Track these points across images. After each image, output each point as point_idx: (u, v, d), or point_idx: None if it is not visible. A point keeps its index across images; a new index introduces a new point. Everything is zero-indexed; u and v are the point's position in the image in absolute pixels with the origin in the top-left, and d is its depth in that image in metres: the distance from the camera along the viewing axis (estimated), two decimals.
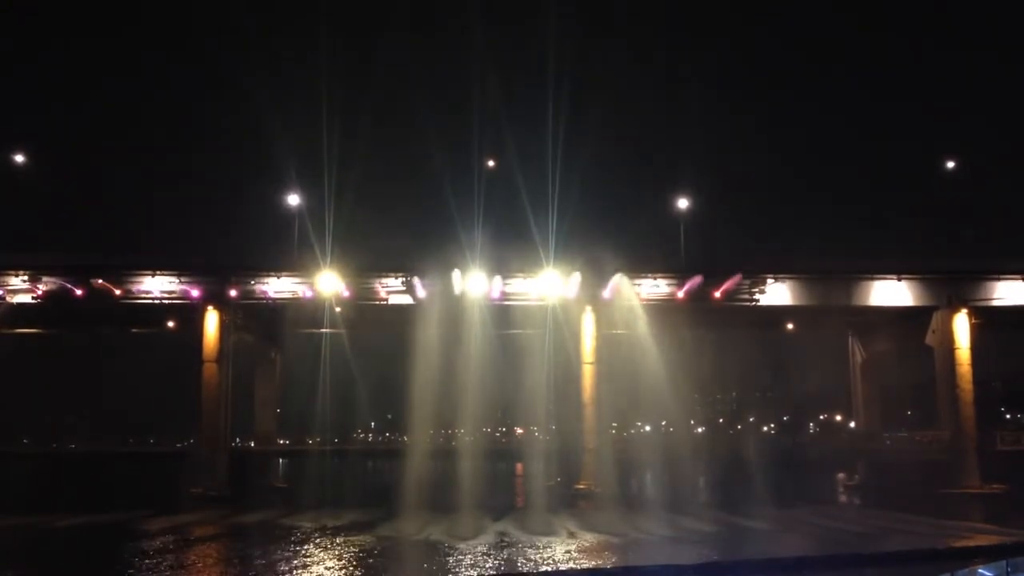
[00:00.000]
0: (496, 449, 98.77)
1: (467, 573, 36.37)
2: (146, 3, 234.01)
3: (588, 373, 71.62)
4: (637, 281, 72.01)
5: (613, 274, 70.69)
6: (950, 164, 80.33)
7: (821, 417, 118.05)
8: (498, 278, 71.55)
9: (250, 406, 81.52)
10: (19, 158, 75.90)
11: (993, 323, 77.13)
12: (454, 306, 69.45)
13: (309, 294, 72.21)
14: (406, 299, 71.43)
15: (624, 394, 67.10)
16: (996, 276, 76.36)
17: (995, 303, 75.98)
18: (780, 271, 73.60)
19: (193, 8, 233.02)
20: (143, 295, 73.55)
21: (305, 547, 45.60)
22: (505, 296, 71.62)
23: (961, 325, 74.65)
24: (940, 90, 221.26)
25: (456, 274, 70.23)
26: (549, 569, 36.99)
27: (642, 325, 68.57)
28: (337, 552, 43.90)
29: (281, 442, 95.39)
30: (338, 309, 72.86)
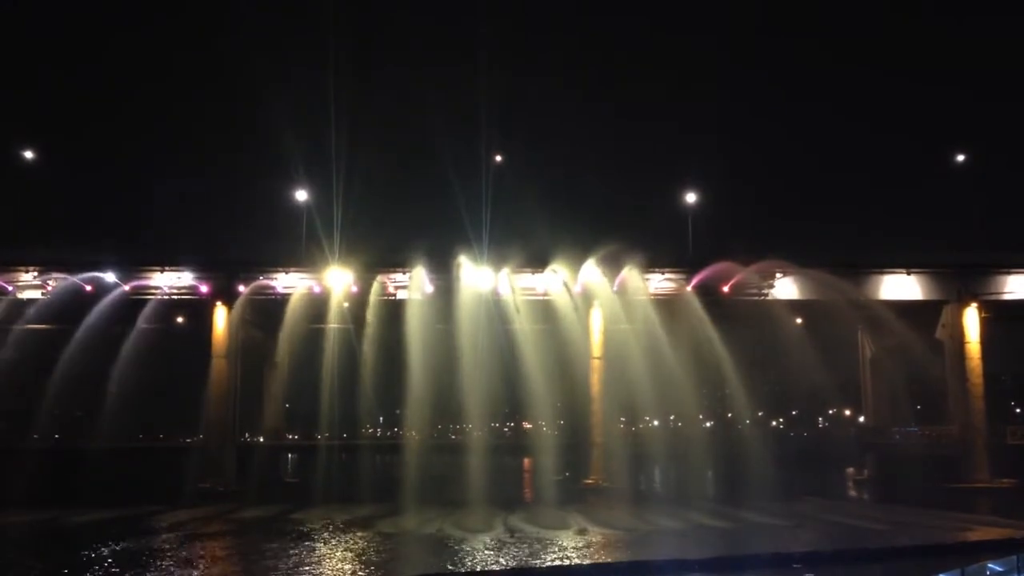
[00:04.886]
0: (504, 444, 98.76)
1: (478, 567, 36.34)
2: (153, 1, 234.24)
3: (596, 368, 71.50)
4: (646, 275, 71.84)
5: (622, 268, 70.55)
6: (960, 157, 79.94)
7: (830, 412, 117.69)
8: (505, 273, 71.52)
9: (259, 401, 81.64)
10: (28, 154, 76.20)
11: (1003, 317, 76.80)
12: (461, 301, 69.43)
13: (317, 289, 72.31)
14: (414, 294, 71.44)
15: (633, 389, 66.92)
16: (1006, 270, 76.03)
17: (1005, 297, 75.66)
18: (789, 265, 73.29)
19: (203, 5, 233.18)
20: (152, 291, 73.76)
21: (315, 542, 45.67)
22: (512, 291, 71.56)
23: (971, 319, 74.36)
24: (950, 82, 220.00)
25: (464, 269, 70.21)
26: (559, 563, 36.94)
27: (650, 320, 68.38)
28: (347, 547, 43.96)
29: (290, 437, 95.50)
30: (346, 304, 72.93)
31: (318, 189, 74.24)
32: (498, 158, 76.79)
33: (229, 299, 72.93)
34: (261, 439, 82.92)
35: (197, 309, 75.29)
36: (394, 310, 71.80)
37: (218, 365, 72.65)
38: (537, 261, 71.99)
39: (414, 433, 73.84)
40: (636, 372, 65.96)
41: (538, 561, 37.47)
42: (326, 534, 49.08)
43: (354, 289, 72.01)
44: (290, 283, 73.92)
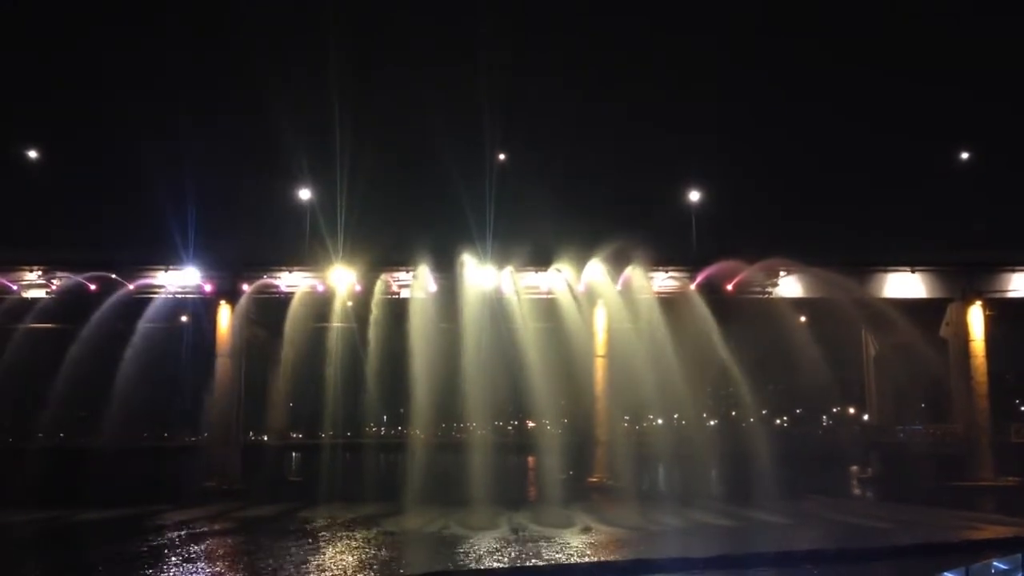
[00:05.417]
0: (508, 443, 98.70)
1: (483, 565, 36.32)
2: (153, 1, 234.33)
3: (600, 366, 71.53)
4: (649, 274, 71.80)
5: (625, 267, 70.49)
6: (964, 155, 79.86)
7: (834, 410, 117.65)
8: (509, 271, 71.48)
9: (263, 400, 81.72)
10: (31, 154, 76.32)
11: (1007, 315, 76.73)
12: (465, 300, 69.39)
13: (321, 288, 72.36)
14: (417, 293, 71.45)
15: (637, 387, 66.90)
16: (1011, 268, 76.00)
17: (1010, 295, 75.63)
18: (793, 263, 73.19)
19: (203, 5, 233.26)
20: (156, 290, 73.85)
21: (319, 540, 45.69)
22: (516, 290, 71.53)
23: (976, 317, 74.31)
24: (950, 82, 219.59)
25: (467, 268, 70.18)
26: (564, 562, 36.92)
27: (654, 318, 68.33)
28: (351, 545, 43.96)
29: (294, 436, 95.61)
30: (349, 303, 72.98)
31: (321, 188, 74.40)
32: (501, 157, 76.87)
33: (233, 298, 73.04)
34: (265, 438, 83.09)
35: (201, 308, 75.36)
36: (398, 309, 71.83)
37: (222, 364, 72.77)
38: (541, 260, 71.97)
39: (418, 432, 73.81)
40: (640, 370, 65.92)
41: (543, 559, 37.43)
42: (331, 532, 49.09)
43: (357, 288, 72.07)
44: (294, 282, 74.01)
